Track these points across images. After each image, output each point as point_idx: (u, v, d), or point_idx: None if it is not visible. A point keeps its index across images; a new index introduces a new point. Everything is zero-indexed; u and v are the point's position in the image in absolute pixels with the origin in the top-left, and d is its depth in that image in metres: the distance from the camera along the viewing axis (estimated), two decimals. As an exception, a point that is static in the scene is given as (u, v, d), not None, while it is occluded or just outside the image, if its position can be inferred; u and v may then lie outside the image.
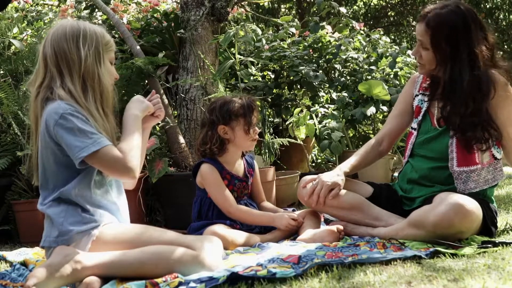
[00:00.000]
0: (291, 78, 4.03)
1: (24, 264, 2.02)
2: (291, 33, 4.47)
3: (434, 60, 2.13)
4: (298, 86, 4.25)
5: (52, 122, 1.67)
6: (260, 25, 5.27)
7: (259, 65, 4.13)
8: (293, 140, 3.59)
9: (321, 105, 3.95)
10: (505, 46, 10.45)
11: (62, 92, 1.71)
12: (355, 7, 11.94)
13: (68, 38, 1.74)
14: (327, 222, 2.42)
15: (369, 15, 12.05)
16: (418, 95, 2.31)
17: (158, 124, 3.29)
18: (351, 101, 4.03)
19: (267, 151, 3.42)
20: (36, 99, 1.75)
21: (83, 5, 4.02)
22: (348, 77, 4.29)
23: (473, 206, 1.93)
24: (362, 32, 4.65)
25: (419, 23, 2.15)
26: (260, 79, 4.10)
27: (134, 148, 1.74)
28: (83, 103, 1.72)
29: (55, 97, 1.72)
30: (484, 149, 2.09)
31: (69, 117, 1.67)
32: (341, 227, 2.19)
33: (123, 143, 1.75)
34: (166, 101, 3.36)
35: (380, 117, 4.48)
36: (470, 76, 2.07)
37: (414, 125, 2.29)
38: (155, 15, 4.03)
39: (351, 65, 4.39)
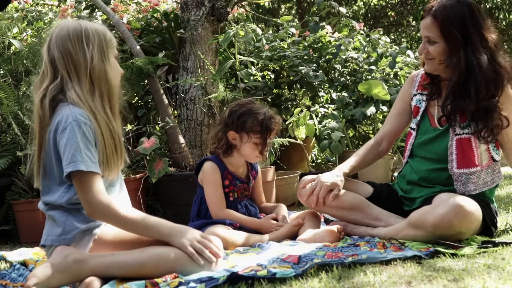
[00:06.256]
0: (291, 78, 4.03)
1: (24, 264, 2.01)
2: (291, 33, 4.47)
3: (444, 52, 2.11)
4: (298, 86, 4.25)
5: (61, 129, 1.67)
6: (260, 25, 5.27)
7: (259, 65, 4.13)
8: (293, 140, 3.59)
9: (321, 105, 3.95)
10: (505, 46, 10.45)
11: (74, 94, 1.70)
12: (355, 7, 11.95)
13: (73, 39, 1.72)
14: (327, 222, 2.42)
15: (369, 15, 12.06)
16: (416, 95, 2.31)
17: (158, 124, 3.29)
18: (351, 101, 4.03)
19: (267, 151, 3.42)
20: (43, 100, 1.72)
21: (83, 5, 4.02)
22: (348, 77, 4.29)
23: (472, 207, 1.93)
24: (362, 32, 4.65)
25: (424, 19, 2.14)
26: (260, 79, 4.10)
27: (126, 219, 1.68)
28: (89, 106, 1.70)
29: (67, 99, 1.70)
30: (490, 139, 2.08)
31: (75, 128, 1.65)
32: (341, 227, 2.19)
33: (132, 210, 1.72)
34: (166, 101, 3.36)
35: (380, 117, 4.48)
36: (488, 61, 2.06)
37: (413, 125, 2.29)
38: (155, 15, 4.03)
39: (351, 65, 4.39)
